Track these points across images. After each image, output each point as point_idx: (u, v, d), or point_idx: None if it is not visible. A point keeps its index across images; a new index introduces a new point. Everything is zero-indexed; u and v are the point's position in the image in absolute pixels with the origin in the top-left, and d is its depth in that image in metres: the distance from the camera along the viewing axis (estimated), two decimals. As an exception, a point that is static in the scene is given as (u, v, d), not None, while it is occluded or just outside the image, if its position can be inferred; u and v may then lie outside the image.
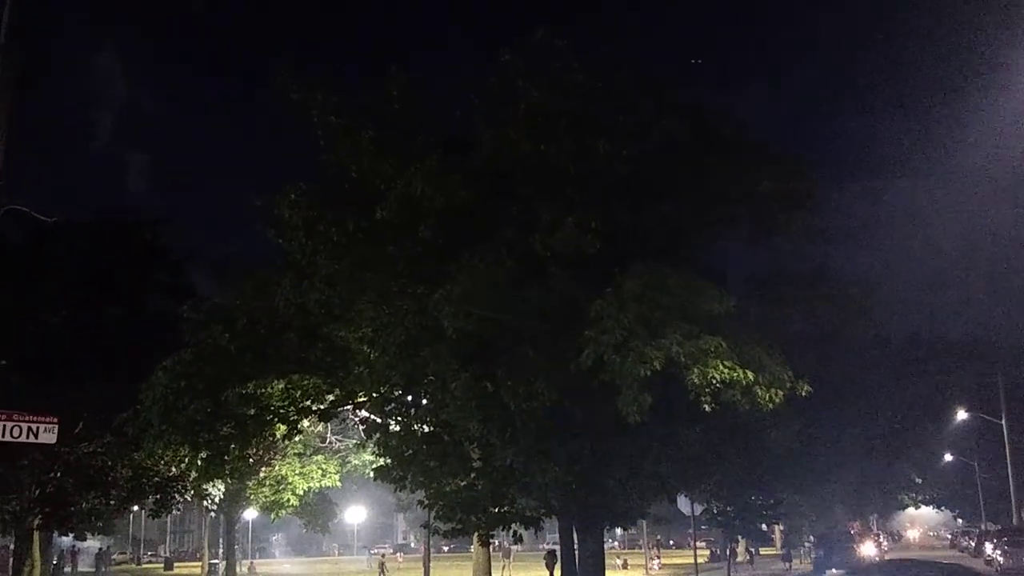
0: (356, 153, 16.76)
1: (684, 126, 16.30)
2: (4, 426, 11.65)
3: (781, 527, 53.23)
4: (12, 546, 35.20)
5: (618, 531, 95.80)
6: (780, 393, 16.73)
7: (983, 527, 60.69)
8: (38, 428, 12.02)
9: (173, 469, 27.51)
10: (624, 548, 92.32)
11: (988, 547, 41.92)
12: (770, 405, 16.73)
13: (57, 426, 12.44)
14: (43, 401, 14.85)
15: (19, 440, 11.94)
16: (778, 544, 61.82)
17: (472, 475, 18.49)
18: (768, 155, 17.45)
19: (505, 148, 16.03)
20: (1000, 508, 61.75)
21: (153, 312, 26.00)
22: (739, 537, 45.76)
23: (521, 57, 16.12)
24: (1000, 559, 36.71)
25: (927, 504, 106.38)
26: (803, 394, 16.97)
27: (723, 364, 15.60)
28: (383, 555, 52.02)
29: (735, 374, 15.70)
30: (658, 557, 54.69)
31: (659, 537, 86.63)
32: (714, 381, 15.52)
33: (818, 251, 19.48)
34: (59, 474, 25.56)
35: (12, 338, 15.29)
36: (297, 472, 34.20)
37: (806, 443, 32.78)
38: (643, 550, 59.60)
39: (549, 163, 15.89)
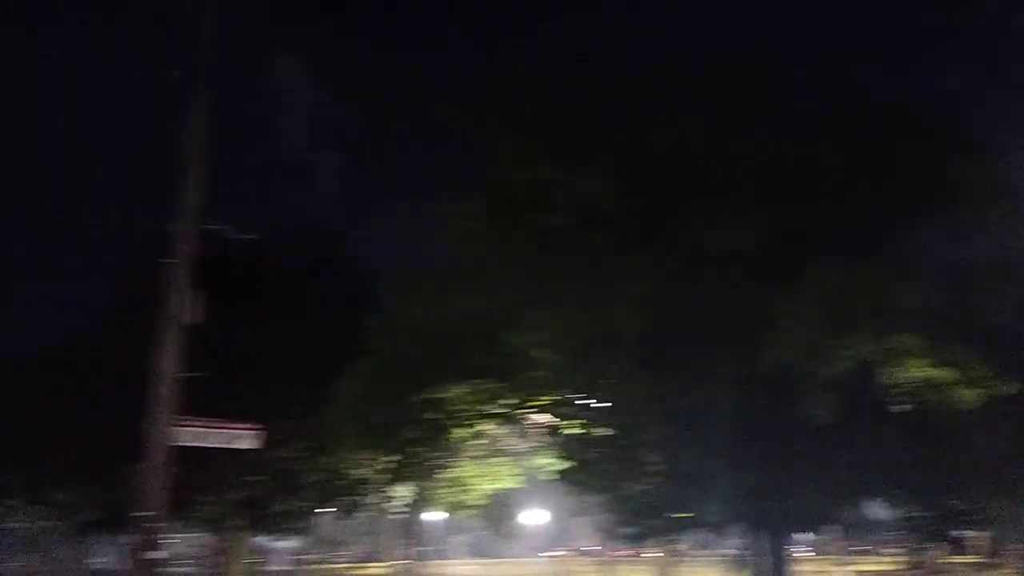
0: (525, 160, 16.92)
1: (871, 114, 15.58)
2: (210, 433, 12.37)
3: (989, 534, 49.92)
4: (216, 546, 37.60)
5: (807, 536, 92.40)
6: (982, 392, 15.70)
7: None
8: (241, 435, 12.73)
9: (361, 472, 28.58)
10: (814, 554, 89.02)
11: None
12: (971, 405, 15.73)
13: (257, 433, 13.12)
14: (244, 409, 15.75)
15: (225, 447, 12.67)
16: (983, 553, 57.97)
17: (653, 479, 18.25)
18: (964, 143, 16.39)
19: (679, 147, 15.76)
20: None
21: (342, 322, 27.13)
22: (944, 543, 43.16)
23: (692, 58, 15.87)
24: None
25: None
26: (1010, 393, 15.83)
27: (918, 362, 14.83)
28: (567, 560, 51.84)
29: (931, 372, 14.89)
30: (850, 564, 52.37)
31: (851, 543, 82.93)
32: (908, 380, 14.79)
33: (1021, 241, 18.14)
34: (258, 478, 27.01)
35: (217, 351, 16.36)
36: (479, 474, 34.83)
37: (1019, 446, 30.50)
38: (833, 557, 57.22)
39: (727, 159, 15.52)
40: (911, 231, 17.81)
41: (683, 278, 15.36)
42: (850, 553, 54.93)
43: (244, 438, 12.82)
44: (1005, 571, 48.16)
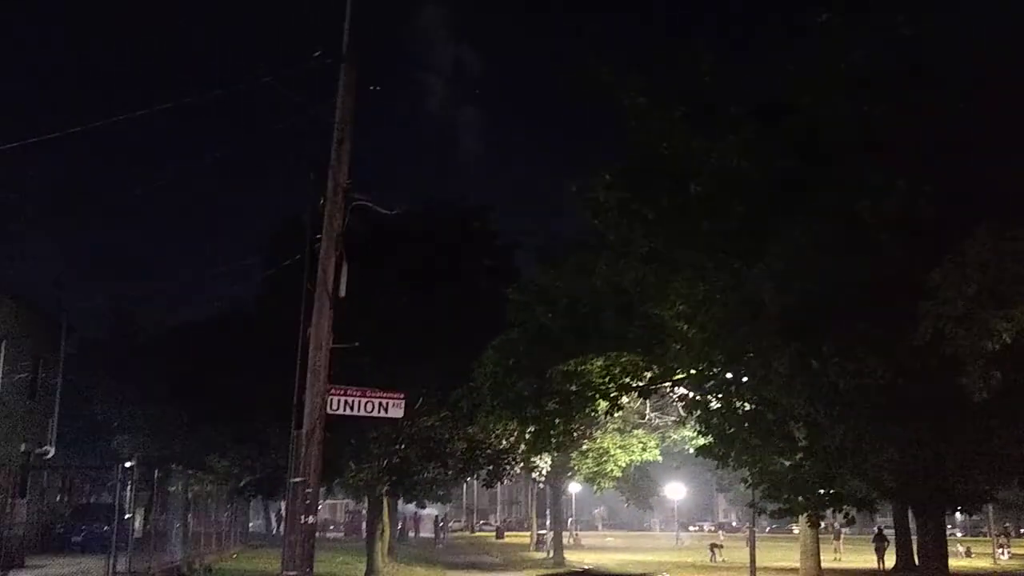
0: (667, 130, 16.76)
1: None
2: (360, 401, 12.85)
3: None
4: (365, 511, 39.07)
5: (959, 516, 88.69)
6: None
7: None
8: (388, 403, 13.17)
9: (503, 442, 29.13)
10: (967, 535, 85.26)
11: None
12: None
13: (404, 401, 13.56)
14: (388, 379, 16.31)
15: (373, 415, 13.15)
16: None
17: (799, 455, 17.87)
18: None
19: (825, 113, 15.27)
20: None
21: (482, 294, 27.61)
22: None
23: (839, 17, 15.28)
24: None
25: None
26: None
27: (1085, 334, 13.96)
28: (715, 537, 51.23)
29: (1101, 344, 14.00)
30: (1007, 546, 49.96)
31: (1008, 524, 79.03)
32: (1073, 353, 13.96)
33: None
34: (404, 446, 27.88)
35: (362, 322, 16.96)
36: (618, 445, 34.91)
37: None
38: (989, 537, 54.65)
39: (875, 124, 14.94)
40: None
41: (830, 246, 14.91)
42: (1003, 535, 52.39)
43: (393, 407, 13.24)
44: None
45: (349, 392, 12.64)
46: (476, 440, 28.94)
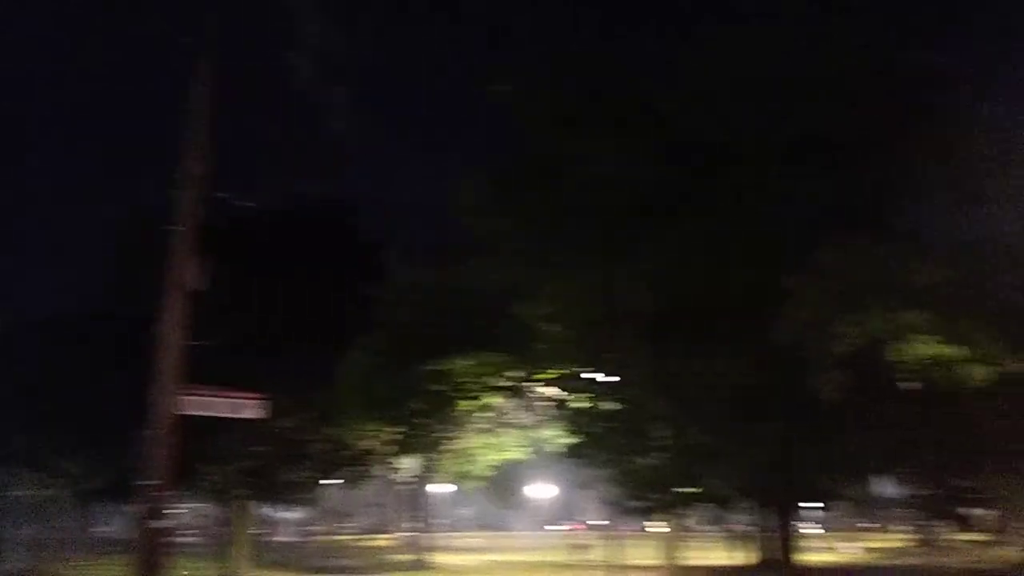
0: (544, 133, 16.76)
1: (880, 85, 15.33)
2: (213, 402, 12.28)
3: (998, 512, 49.65)
4: (221, 515, 37.75)
5: (816, 513, 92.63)
6: (992, 370, 15.57)
7: None
8: (244, 404, 12.63)
9: (367, 443, 28.59)
10: (822, 531, 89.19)
11: None
12: (981, 383, 15.59)
13: (263, 403, 13.03)
14: (247, 378, 15.67)
15: (228, 416, 12.59)
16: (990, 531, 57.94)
17: (660, 454, 18.22)
18: (972, 116, 16.15)
19: (700, 122, 15.55)
20: None
21: (348, 294, 27.02)
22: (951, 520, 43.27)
23: (719, 30, 15.61)
24: None
25: None
26: (1020, 371, 15.71)
27: (927, 339, 14.70)
28: (581, 537, 51.54)
29: (940, 350, 14.76)
30: (857, 541, 52.38)
31: (860, 521, 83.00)
32: (916, 358, 14.67)
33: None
34: (261, 448, 27.00)
35: (220, 320, 16.28)
36: (486, 445, 34.86)
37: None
38: (842, 533, 57.29)
39: (748, 134, 15.31)
40: (922, 207, 17.59)
41: (697, 255, 15.21)
42: (858, 530, 54.96)
43: (249, 407, 12.71)
44: (1012, 549, 48.23)
45: (204, 392, 12.05)
46: (338, 441, 28.30)
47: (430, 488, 48.80)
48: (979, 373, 14.76)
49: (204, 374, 12.52)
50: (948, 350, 14.63)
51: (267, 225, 24.73)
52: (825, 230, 14.98)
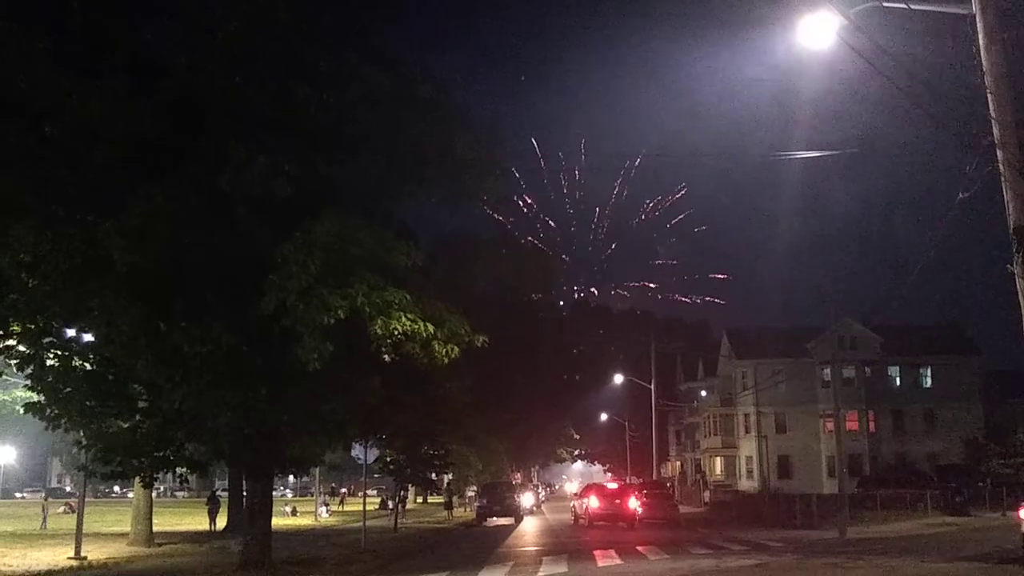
0: (28, 62, 15.09)
1: (384, 78, 16.26)
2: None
3: (449, 476, 55.42)
4: None
5: (291, 478, 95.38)
6: (456, 349, 17.54)
7: (628, 479, 66.92)
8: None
9: None
10: (297, 495, 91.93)
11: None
12: (447, 359, 17.48)
13: None
14: None
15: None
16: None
17: (137, 417, 17.59)
18: (464, 119, 17.79)
19: (200, 79, 15.16)
20: (644, 465, 68.95)
21: None
22: (409, 485, 47.32)
23: None
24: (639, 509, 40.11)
25: (582, 459, 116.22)
26: (480, 345, 17.91)
27: (405, 316, 16.12)
28: (45, 504, 47.38)
29: (416, 327, 16.25)
30: (326, 505, 54.96)
31: (333, 484, 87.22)
32: (396, 332, 15.99)
33: (505, 217, 20.43)
34: None
35: None
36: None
37: (479, 396, 34.49)
38: (315, 497, 59.72)
39: (246, 101, 15.26)
40: (413, 199, 19.03)
41: (191, 215, 14.91)
42: (332, 494, 57.79)
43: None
44: (461, 511, 54.28)
45: None
46: None
47: None
48: (442, 350, 16.52)
49: None
50: (420, 327, 16.14)
51: None
52: (323, 206, 15.62)
